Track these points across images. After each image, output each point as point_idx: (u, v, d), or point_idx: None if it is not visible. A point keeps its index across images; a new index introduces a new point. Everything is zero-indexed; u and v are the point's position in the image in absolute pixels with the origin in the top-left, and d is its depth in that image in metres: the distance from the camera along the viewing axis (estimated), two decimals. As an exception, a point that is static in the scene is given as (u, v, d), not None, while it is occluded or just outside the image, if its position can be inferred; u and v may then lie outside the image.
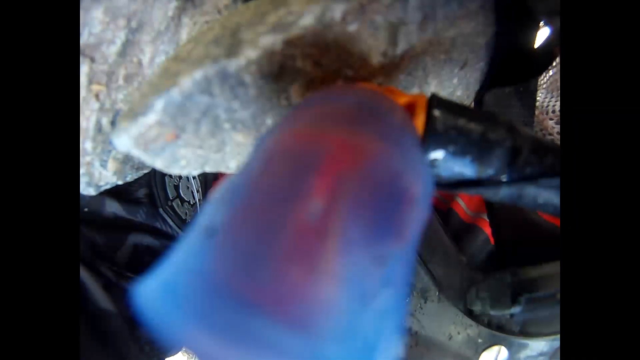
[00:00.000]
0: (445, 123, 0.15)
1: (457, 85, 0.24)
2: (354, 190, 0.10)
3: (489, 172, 0.16)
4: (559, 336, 0.24)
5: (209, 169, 0.19)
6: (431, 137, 0.16)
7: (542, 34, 0.24)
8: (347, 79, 0.17)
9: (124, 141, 0.16)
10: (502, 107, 0.27)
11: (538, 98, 0.32)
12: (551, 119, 0.32)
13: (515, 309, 0.24)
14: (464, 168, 0.16)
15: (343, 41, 0.16)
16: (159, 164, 0.17)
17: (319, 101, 0.14)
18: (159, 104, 0.15)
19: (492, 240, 0.29)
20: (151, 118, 0.15)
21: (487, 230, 0.29)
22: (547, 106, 0.32)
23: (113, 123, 0.24)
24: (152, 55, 0.24)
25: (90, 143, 0.23)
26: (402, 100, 0.16)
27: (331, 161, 0.11)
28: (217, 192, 0.11)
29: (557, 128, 0.31)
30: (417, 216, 0.12)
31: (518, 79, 0.24)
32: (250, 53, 0.14)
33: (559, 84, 0.33)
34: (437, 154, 0.16)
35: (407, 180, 0.12)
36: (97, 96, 0.23)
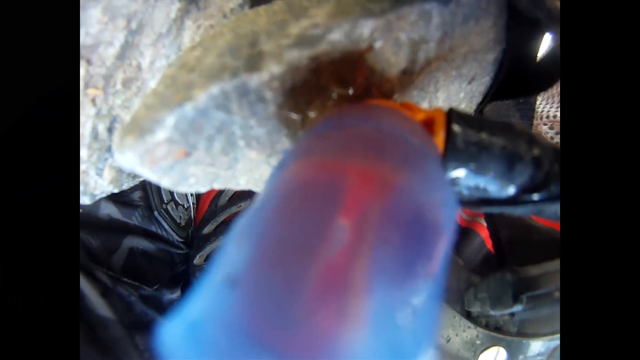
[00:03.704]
0: (465, 139, 0.14)
1: (462, 99, 0.23)
2: (380, 229, 0.09)
3: (512, 187, 0.15)
4: (555, 336, 0.24)
5: (217, 185, 0.16)
6: (452, 155, 0.14)
7: (545, 45, 0.23)
8: (367, 96, 0.15)
9: (128, 158, 0.14)
10: (501, 118, 0.26)
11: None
12: (545, 124, 0.31)
13: (517, 308, 0.23)
14: (486, 185, 0.15)
15: (367, 58, 0.14)
16: (167, 182, 0.15)
17: (338, 125, 0.12)
18: (170, 120, 0.13)
19: (487, 243, 0.28)
20: (160, 135, 0.13)
21: (483, 233, 0.29)
22: (542, 112, 0.32)
23: (110, 130, 0.21)
24: (152, 59, 0.21)
25: (85, 151, 0.20)
26: (420, 116, 0.15)
27: (354, 197, 0.09)
28: (236, 230, 0.09)
29: (551, 133, 0.31)
30: (444, 245, 0.11)
31: (521, 94, 0.23)
32: (274, 68, 0.12)
33: (554, 90, 0.33)
34: (459, 172, 0.15)
35: (433, 210, 0.11)
36: (93, 101, 0.20)
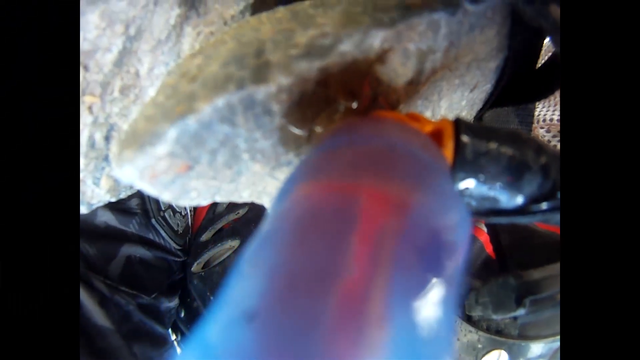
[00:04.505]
0: (474, 150, 0.14)
1: (464, 106, 0.22)
2: (396, 253, 0.09)
3: (520, 197, 0.14)
4: (556, 338, 0.24)
5: (219, 199, 0.16)
6: (461, 166, 0.14)
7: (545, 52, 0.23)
8: (373, 107, 0.15)
9: (127, 173, 0.13)
10: (501, 124, 0.25)
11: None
12: (542, 128, 0.31)
13: (520, 312, 0.23)
14: (495, 195, 0.14)
15: (375, 69, 0.13)
16: (167, 197, 0.14)
17: (347, 142, 0.12)
18: (172, 133, 0.12)
19: (487, 247, 0.28)
20: (162, 149, 0.12)
21: (482, 238, 0.28)
22: (539, 115, 0.32)
23: (107, 138, 0.20)
24: (150, 66, 0.20)
25: (82, 159, 0.19)
26: (428, 128, 0.14)
27: (369, 221, 0.09)
28: (247, 256, 0.09)
29: (548, 136, 0.31)
30: (459, 262, 0.11)
31: (522, 101, 0.22)
32: (282, 79, 0.12)
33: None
34: (468, 183, 0.14)
35: (448, 229, 0.11)
36: (90, 109, 0.19)
